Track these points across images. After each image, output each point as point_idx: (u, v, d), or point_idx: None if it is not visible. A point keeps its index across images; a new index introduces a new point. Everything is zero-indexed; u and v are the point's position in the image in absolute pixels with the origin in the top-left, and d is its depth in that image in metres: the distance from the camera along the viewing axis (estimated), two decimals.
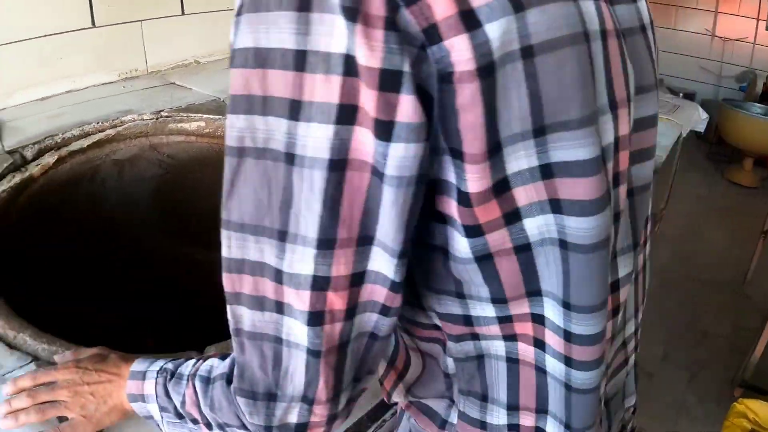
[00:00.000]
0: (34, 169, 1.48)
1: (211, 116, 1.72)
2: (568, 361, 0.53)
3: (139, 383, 0.71)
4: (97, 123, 1.64)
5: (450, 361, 0.58)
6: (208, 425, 0.60)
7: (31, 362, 1.03)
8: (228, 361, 0.58)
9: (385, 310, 0.47)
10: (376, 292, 0.46)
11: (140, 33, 2.02)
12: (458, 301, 0.52)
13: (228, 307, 0.51)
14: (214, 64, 2.16)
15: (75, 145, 1.57)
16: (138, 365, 0.74)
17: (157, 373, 0.70)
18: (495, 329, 0.53)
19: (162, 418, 0.68)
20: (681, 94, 3.03)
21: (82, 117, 1.68)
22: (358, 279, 0.45)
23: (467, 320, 0.54)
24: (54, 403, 0.81)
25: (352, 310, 0.47)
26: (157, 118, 1.69)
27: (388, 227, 0.43)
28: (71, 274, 1.69)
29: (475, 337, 0.55)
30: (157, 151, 1.69)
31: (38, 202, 1.49)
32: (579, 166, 0.45)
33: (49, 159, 1.51)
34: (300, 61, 0.40)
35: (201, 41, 2.16)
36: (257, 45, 0.41)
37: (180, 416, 0.65)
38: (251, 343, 0.50)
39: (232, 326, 0.51)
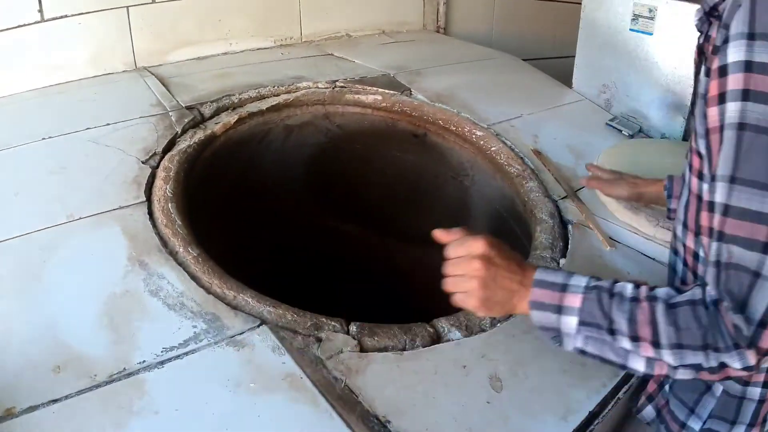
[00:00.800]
0: (214, 126, 1.40)
1: (387, 91, 1.62)
2: None
3: (555, 294, 0.73)
4: (273, 87, 1.55)
5: None
6: (656, 344, 0.66)
7: (260, 325, 0.93)
8: (696, 290, 0.67)
9: None
10: None
11: (297, 3, 1.95)
12: None
13: (716, 245, 0.63)
14: (366, 38, 2.07)
15: (252, 107, 1.49)
16: (546, 275, 0.75)
17: (585, 288, 0.72)
18: None
19: (578, 331, 0.71)
20: None
21: (251, 79, 1.61)
22: None
23: None
24: (464, 277, 0.78)
25: None
26: (333, 88, 1.60)
27: None
28: (227, 226, 1.61)
29: None
30: (329, 120, 1.60)
31: (216, 158, 1.41)
32: None
33: (229, 118, 1.43)
34: None
35: (352, 16, 2.08)
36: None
37: (612, 333, 0.69)
38: (735, 273, 0.62)
39: (722, 260, 0.63)
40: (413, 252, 1.86)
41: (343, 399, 0.84)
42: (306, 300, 1.88)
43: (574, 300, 0.71)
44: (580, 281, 0.73)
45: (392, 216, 1.82)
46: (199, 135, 1.35)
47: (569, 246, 1.20)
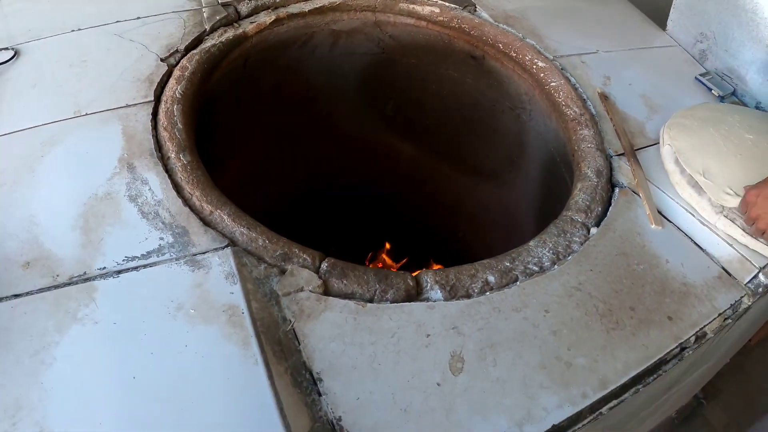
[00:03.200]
0: (248, 26, 1.30)
1: (447, 3, 1.42)
2: None
3: None
4: None
5: None
6: None
7: (227, 247, 0.88)
8: None
9: None
10: None
11: None
12: None
13: None
14: None
15: (294, 8, 1.37)
16: None
17: None
18: None
19: None
20: None
21: None
22: None
23: None
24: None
25: None
26: None
27: None
28: (262, 136, 1.57)
29: None
30: (380, 29, 1.44)
31: (247, 61, 1.32)
32: None
33: (266, 18, 1.32)
34: None
35: None
36: None
37: None
38: None
39: None
40: (463, 181, 1.72)
41: (281, 344, 0.77)
42: (341, 218, 1.84)
43: None
44: None
45: (446, 141, 1.67)
46: (229, 34, 1.26)
47: (608, 213, 1.01)
